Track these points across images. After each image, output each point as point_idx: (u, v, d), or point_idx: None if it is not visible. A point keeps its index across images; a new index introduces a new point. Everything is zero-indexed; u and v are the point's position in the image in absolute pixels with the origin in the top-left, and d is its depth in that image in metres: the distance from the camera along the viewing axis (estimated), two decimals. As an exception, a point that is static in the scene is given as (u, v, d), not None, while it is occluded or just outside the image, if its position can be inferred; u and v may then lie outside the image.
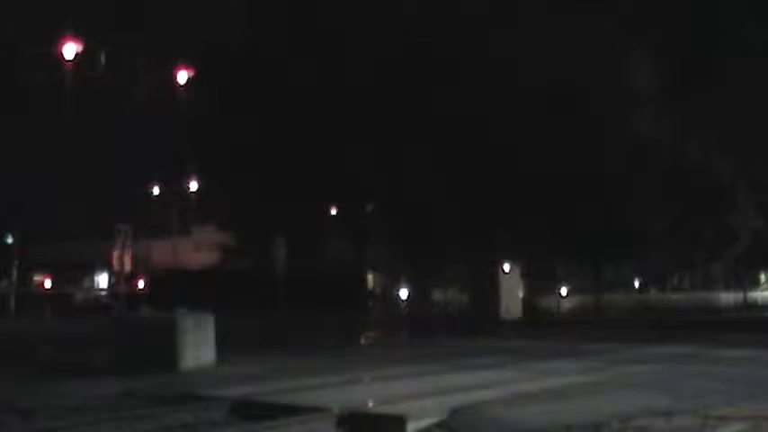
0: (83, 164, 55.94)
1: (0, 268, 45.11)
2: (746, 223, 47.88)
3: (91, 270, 53.68)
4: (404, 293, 43.27)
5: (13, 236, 47.11)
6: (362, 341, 24.18)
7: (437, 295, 44.91)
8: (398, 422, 8.90)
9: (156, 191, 47.01)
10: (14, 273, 43.80)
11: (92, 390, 11.60)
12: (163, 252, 49.20)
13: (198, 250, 47.71)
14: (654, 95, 34.85)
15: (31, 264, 49.93)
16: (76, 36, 28.90)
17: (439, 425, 9.00)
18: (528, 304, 36.91)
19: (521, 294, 36.59)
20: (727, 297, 55.36)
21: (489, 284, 34.66)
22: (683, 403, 9.79)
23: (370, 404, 9.90)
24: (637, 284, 50.29)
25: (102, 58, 30.29)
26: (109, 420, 9.42)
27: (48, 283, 48.07)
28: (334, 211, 37.89)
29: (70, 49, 28.72)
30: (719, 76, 34.90)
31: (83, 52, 29.18)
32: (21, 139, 52.48)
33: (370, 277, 41.15)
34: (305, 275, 30.79)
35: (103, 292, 48.64)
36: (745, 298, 56.15)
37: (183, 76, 32.94)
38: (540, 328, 29.33)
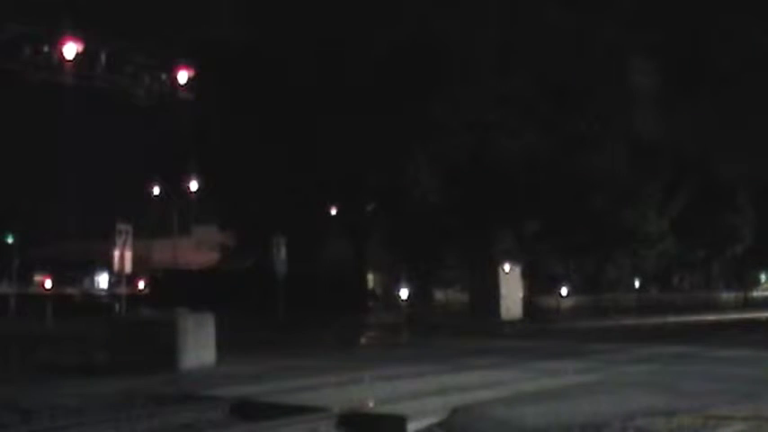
0: (83, 164, 56.08)
1: (0, 268, 45.10)
2: (746, 223, 47.92)
3: (91, 270, 53.69)
4: (404, 293, 43.25)
5: (13, 236, 47.09)
6: (363, 341, 24.19)
7: (438, 295, 44.91)
8: (398, 422, 8.89)
9: (156, 191, 47.03)
10: (14, 273, 43.77)
11: (92, 390, 11.58)
12: (163, 252, 49.23)
13: (198, 250, 47.70)
14: (654, 95, 34.88)
15: (31, 264, 49.93)
16: (76, 36, 28.93)
17: (439, 425, 8.99)
18: (528, 304, 36.90)
19: (521, 294, 36.57)
20: (728, 297, 55.41)
21: (489, 284, 34.64)
22: (683, 403, 9.78)
23: (370, 404, 9.89)
24: (637, 284, 50.25)
25: (103, 58, 30.32)
26: (109, 420, 9.41)
27: (48, 283, 48.03)
28: (334, 211, 37.87)
29: (70, 49, 28.75)
30: (720, 77, 34.92)
31: (83, 52, 29.22)
32: (21, 139, 52.56)
33: (370, 277, 41.10)
34: (305, 275, 30.78)
35: (103, 292, 48.63)
36: (745, 297, 56.19)
37: (183, 76, 32.98)
38: (541, 327, 29.33)
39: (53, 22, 29.05)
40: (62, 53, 28.52)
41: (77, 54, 28.88)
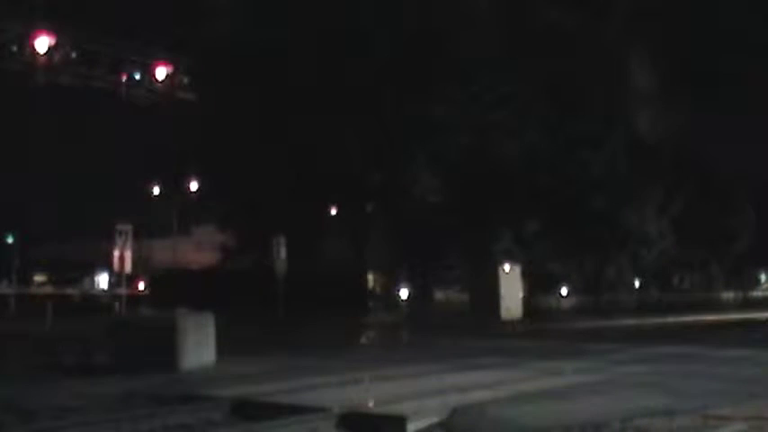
0: (82, 164, 56.07)
1: (0, 268, 45.13)
2: (746, 223, 47.92)
3: (91, 270, 53.70)
4: (404, 293, 43.24)
5: (13, 236, 47.11)
6: (363, 341, 24.19)
7: (438, 295, 44.86)
8: (398, 422, 8.89)
9: (156, 191, 47.03)
10: (14, 273, 43.79)
11: (92, 390, 11.58)
12: (163, 252, 49.21)
13: (198, 250, 47.70)
14: (654, 95, 34.89)
15: (31, 264, 49.95)
16: (77, 36, 28.96)
17: (439, 425, 8.99)
18: (528, 304, 36.87)
19: (521, 294, 36.54)
20: (728, 297, 55.42)
21: (489, 284, 34.62)
22: (683, 403, 9.77)
23: (370, 404, 9.89)
24: (637, 284, 50.24)
25: (103, 59, 30.33)
26: (109, 420, 9.40)
27: (47, 288, 48.07)
28: (334, 211, 37.87)
29: (71, 50, 28.78)
30: (720, 77, 34.92)
31: (83, 52, 29.25)
32: (21, 139, 52.58)
33: (370, 277, 41.09)
34: (305, 275, 30.80)
35: (103, 293, 48.65)
36: (745, 297, 56.21)
37: (183, 76, 33.01)
38: (541, 328, 29.32)
39: (53, 21, 29.07)
40: (62, 53, 28.56)
41: (78, 54, 28.93)
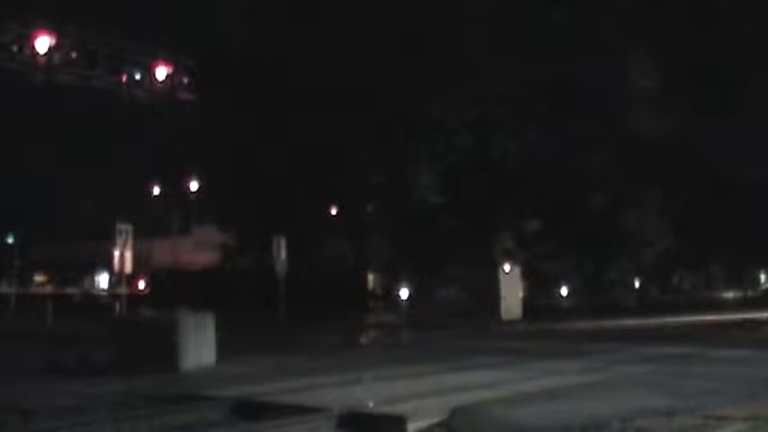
0: (83, 164, 56.09)
1: (0, 268, 45.14)
2: (745, 223, 47.93)
3: (91, 270, 53.69)
4: (404, 293, 43.23)
5: (13, 236, 47.13)
6: (363, 341, 24.19)
7: (438, 295, 44.83)
8: (398, 422, 8.90)
9: (156, 191, 47.02)
10: (14, 273, 43.77)
11: (92, 390, 11.59)
12: (163, 252, 49.22)
13: (198, 250, 47.69)
14: (654, 95, 34.90)
15: (31, 264, 49.96)
16: (77, 36, 28.94)
17: (439, 425, 8.99)
18: (528, 304, 36.86)
19: (521, 294, 36.53)
20: (728, 296, 55.45)
21: (489, 284, 34.61)
22: (683, 403, 9.77)
23: (370, 404, 9.90)
24: (637, 284, 50.23)
25: (102, 59, 30.31)
26: (109, 420, 9.42)
27: (48, 288, 48.12)
28: (334, 211, 37.88)
29: (70, 50, 28.77)
30: (720, 76, 34.93)
31: (83, 52, 29.23)
32: (21, 139, 52.58)
33: (370, 277, 41.09)
34: (305, 275, 30.80)
35: (103, 292, 48.65)
36: (745, 297, 56.25)
37: (183, 77, 32.98)
38: (541, 328, 29.32)
39: (53, 21, 29.07)
40: (62, 53, 28.55)
41: (78, 54, 28.92)
